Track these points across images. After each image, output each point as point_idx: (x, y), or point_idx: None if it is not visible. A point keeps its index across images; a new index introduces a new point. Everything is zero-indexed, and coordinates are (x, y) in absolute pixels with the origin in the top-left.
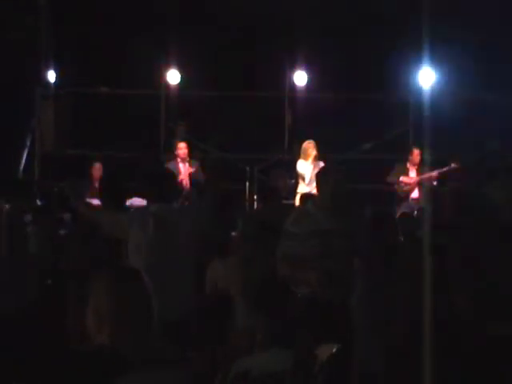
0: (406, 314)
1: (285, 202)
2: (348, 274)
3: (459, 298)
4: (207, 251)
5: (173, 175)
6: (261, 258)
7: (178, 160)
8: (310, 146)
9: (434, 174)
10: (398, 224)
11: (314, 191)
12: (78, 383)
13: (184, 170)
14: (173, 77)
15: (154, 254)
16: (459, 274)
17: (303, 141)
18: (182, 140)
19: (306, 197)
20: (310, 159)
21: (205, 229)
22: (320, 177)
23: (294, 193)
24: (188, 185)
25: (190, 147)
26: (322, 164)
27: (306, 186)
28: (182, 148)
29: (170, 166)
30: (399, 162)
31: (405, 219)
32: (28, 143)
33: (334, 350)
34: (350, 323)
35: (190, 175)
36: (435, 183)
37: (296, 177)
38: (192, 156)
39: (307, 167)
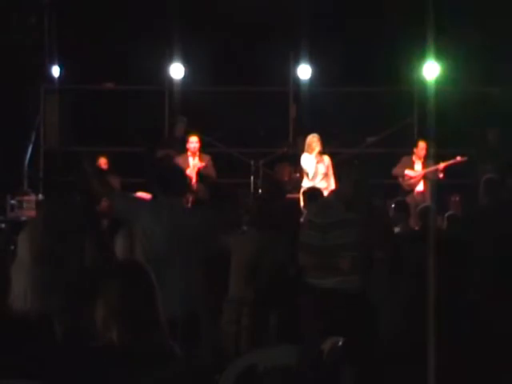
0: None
1: (290, 195)
2: (369, 264)
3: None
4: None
5: (181, 169)
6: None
7: (189, 154)
8: (314, 140)
9: (440, 167)
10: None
11: (318, 185)
12: (86, 379)
13: (193, 164)
14: (176, 72)
15: (162, 247)
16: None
17: (308, 135)
18: (184, 135)
19: (309, 191)
20: (314, 153)
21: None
22: (342, 170)
23: (299, 186)
24: (194, 180)
25: (202, 141)
26: (326, 158)
27: (310, 180)
28: (193, 142)
29: (180, 159)
30: (405, 155)
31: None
32: (33, 139)
33: (340, 344)
34: (370, 313)
35: (199, 170)
36: (441, 176)
37: (300, 171)
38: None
39: (311, 161)
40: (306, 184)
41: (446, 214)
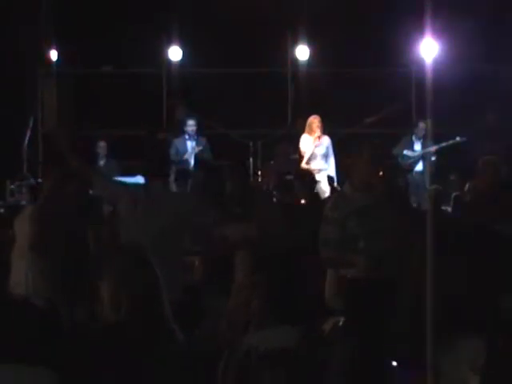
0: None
1: (288, 177)
2: (392, 252)
3: None
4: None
5: (162, 151)
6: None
7: (186, 137)
8: (315, 122)
9: (432, 149)
10: None
11: (316, 166)
12: (92, 359)
13: (191, 147)
14: (174, 54)
15: (144, 229)
16: None
17: (306, 116)
18: (183, 118)
19: (301, 174)
20: (314, 135)
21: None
22: (357, 156)
23: (298, 168)
24: (193, 163)
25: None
26: (326, 138)
27: (306, 162)
28: (190, 125)
29: (177, 143)
30: (405, 135)
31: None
32: (31, 123)
33: (340, 324)
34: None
35: (197, 154)
36: (433, 158)
37: (299, 152)
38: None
39: (309, 144)
40: (303, 165)
41: (453, 195)
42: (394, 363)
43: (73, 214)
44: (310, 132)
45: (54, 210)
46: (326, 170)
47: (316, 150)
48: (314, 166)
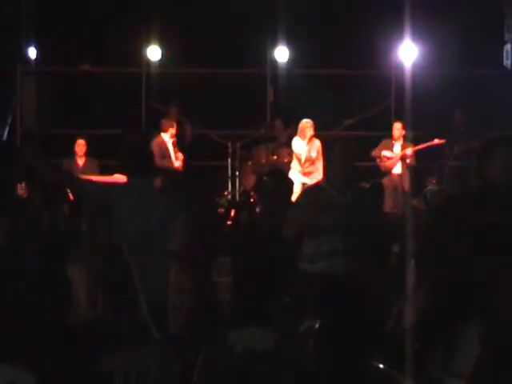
0: None
1: (265, 178)
2: (360, 251)
3: None
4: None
5: (149, 150)
6: None
7: (165, 137)
8: (307, 126)
9: (407, 152)
10: None
11: (308, 170)
12: (70, 354)
13: (171, 148)
14: (153, 54)
15: (135, 232)
16: None
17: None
18: (175, 120)
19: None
20: (307, 139)
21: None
22: (330, 151)
23: (286, 169)
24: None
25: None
26: (317, 142)
27: (301, 166)
28: (172, 126)
29: (156, 143)
30: (385, 138)
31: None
32: (9, 121)
33: (317, 326)
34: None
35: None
36: (408, 161)
37: (278, 154)
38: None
39: (303, 147)
40: (296, 167)
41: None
42: (381, 365)
43: None
44: (303, 136)
45: None
46: (316, 172)
47: (309, 153)
48: (306, 169)
